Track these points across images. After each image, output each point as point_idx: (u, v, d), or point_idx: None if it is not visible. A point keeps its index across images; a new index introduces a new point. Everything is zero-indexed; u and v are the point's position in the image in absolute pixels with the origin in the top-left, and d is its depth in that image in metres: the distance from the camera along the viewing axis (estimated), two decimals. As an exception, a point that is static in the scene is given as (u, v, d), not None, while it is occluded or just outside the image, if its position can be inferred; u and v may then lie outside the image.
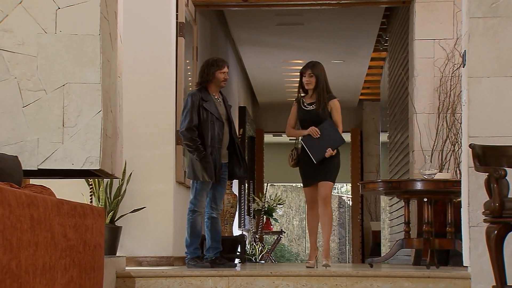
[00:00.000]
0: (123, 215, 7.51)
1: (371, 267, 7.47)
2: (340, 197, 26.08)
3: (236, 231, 11.90)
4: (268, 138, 19.03)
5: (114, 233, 7.39)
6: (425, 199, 7.34)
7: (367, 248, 18.03)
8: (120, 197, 7.41)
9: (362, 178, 18.13)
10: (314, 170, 6.93)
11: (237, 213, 13.40)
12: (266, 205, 14.50)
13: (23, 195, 2.66)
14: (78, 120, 5.16)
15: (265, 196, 14.65)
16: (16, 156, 3.71)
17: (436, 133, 9.00)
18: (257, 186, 16.81)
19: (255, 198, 14.51)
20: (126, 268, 6.04)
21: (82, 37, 5.21)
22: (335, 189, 26.15)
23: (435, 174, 7.46)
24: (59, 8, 5.21)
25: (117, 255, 7.37)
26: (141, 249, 7.72)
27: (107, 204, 7.37)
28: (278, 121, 18.24)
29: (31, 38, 5.17)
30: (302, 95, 7.07)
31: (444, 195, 7.39)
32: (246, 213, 14.61)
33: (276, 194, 17.24)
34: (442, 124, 8.99)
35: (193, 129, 6.86)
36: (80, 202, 3.46)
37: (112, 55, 5.51)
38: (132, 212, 7.54)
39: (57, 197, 3.53)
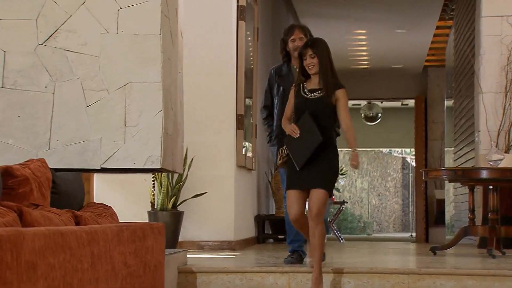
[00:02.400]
0: (184, 200, 7.62)
1: (434, 254, 7.43)
2: (403, 159, 25.89)
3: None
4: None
5: (176, 218, 7.51)
6: (491, 187, 7.23)
7: (431, 216, 17.91)
8: (182, 183, 7.51)
9: (426, 145, 17.94)
10: (303, 172, 5.41)
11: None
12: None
13: (84, 233, 2.71)
14: (140, 119, 5.21)
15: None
16: (78, 173, 3.76)
17: (503, 113, 8.82)
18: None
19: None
20: (188, 255, 6.11)
21: (143, 37, 5.24)
22: (398, 152, 25.95)
23: (502, 159, 7.33)
24: (120, 8, 5.24)
25: (179, 241, 7.50)
26: (203, 234, 7.83)
27: (169, 189, 7.48)
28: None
29: (94, 38, 5.22)
30: (302, 80, 5.54)
31: (510, 183, 7.26)
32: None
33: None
34: (510, 104, 8.80)
35: (262, 110, 6.41)
36: (140, 223, 3.51)
37: (172, 52, 5.53)
38: (193, 197, 7.63)
39: (115, 214, 3.60)
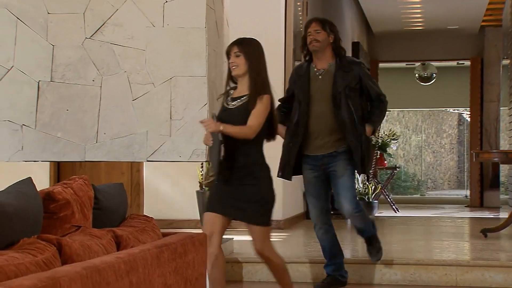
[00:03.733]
0: (233, 180, 7.64)
1: (485, 237, 7.35)
2: (459, 114, 25.54)
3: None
4: (383, 63, 18.76)
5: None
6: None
7: (486, 180, 17.69)
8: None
9: (482, 107, 17.62)
10: (227, 196, 4.46)
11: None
12: (380, 141, 14.37)
13: (122, 263, 2.73)
14: (185, 113, 5.22)
15: (379, 131, 14.50)
16: (121, 184, 3.79)
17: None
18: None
19: (369, 133, 14.38)
20: (237, 237, 6.14)
21: (188, 30, 5.22)
22: (452, 110, 25.61)
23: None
24: (166, 1, 5.22)
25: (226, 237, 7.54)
26: (251, 213, 7.84)
27: (218, 169, 7.49)
28: (393, 50, 17.92)
29: (140, 31, 5.22)
30: (230, 87, 4.62)
31: None
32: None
33: (390, 129, 17.00)
34: None
35: (279, 107, 5.33)
36: (181, 237, 3.51)
37: (218, 43, 5.50)
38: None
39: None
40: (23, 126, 5.21)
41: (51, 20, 5.22)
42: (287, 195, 8.13)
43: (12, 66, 5.21)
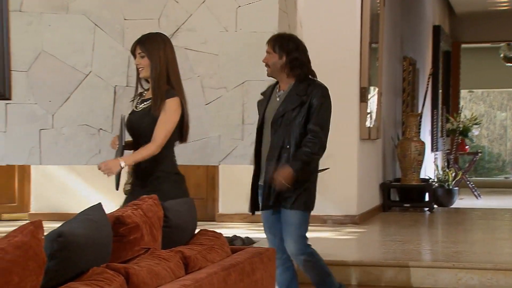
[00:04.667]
0: (308, 175, 7.66)
1: None
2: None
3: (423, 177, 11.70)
4: (466, 44, 18.40)
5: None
6: None
7: None
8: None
9: None
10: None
11: (429, 137, 13.21)
12: (461, 125, 14.13)
13: (191, 289, 2.79)
14: (257, 117, 5.24)
15: (460, 116, 14.25)
16: (190, 199, 3.86)
17: None
18: (452, 105, 16.35)
19: (449, 118, 14.15)
20: (310, 234, 6.10)
21: (261, 35, 5.24)
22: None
23: None
24: (239, 6, 5.26)
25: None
26: (326, 208, 7.85)
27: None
28: (477, 31, 17.52)
29: (213, 36, 5.29)
30: (142, 90, 4.32)
31: None
32: (439, 135, 14.32)
33: (472, 114, 16.68)
34: None
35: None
36: (249, 256, 3.56)
37: (292, 46, 5.50)
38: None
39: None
40: (100, 130, 5.35)
41: (127, 26, 5.33)
42: (362, 190, 8.10)
43: (90, 72, 5.35)
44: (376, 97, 8.57)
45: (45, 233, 2.50)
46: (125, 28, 5.33)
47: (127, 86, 5.33)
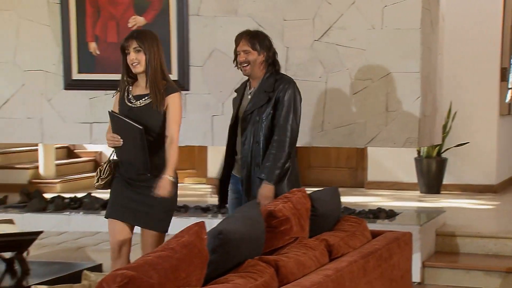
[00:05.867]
0: (448, 149, 7.45)
1: None
2: None
3: None
4: None
5: (440, 164, 7.43)
6: None
7: None
8: (445, 134, 7.33)
9: None
10: (128, 201, 3.76)
11: None
12: None
13: (330, 282, 2.79)
14: (399, 105, 5.16)
15: None
16: (335, 187, 3.83)
17: None
18: None
19: None
20: (448, 202, 5.97)
21: (404, 32, 5.11)
22: None
23: None
24: (385, 6, 5.13)
25: (443, 183, 7.40)
26: (465, 177, 7.61)
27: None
28: None
29: (361, 34, 5.20)
30: (129, 81, 3.82)
31: None
32: None
33: None
34: None
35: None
36: (387, 242, 3.51)
37: (432, 40, 5.32)
38: (456, 146, 7.44)
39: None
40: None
41: (286, 26, 5.33)
42: (501, 161, 7.75)
43: (254, 66, 5.39)
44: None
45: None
46: (284, 27, 5.33)
47: (285, 77, 5.35)
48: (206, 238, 2.59)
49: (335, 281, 2.86)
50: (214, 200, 5.41)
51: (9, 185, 7.47)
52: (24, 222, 5.55)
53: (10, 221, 3.87)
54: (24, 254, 3.78)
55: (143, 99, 3.74)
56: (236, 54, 4.11)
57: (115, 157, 3.77)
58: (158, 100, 3.68)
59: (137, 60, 3.70)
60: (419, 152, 7.44)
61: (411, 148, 5.44)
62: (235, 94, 4.28)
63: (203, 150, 8.17)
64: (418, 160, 7.41)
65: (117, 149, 3.71)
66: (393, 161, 7.71)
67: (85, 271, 2.54)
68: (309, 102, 5.30)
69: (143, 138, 3.61)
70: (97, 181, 3.76)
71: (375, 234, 3.72)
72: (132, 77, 3.79)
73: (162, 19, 5.49)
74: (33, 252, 3.86)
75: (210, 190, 7.42)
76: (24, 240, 3.76)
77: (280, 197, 3.45)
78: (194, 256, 2.50)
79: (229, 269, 2.73)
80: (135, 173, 3.71)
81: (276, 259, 2.86)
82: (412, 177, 7.55)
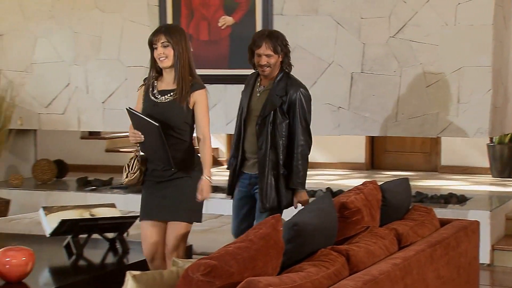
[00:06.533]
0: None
1: None
2: None
3: None
4: None
5: None
6: None
7: None
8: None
9: None
10: (157, 199, 3.54)
11: None
12: None
13: (398, 270, 2.77)
14: (471, 97, 5.02)
15: None
16: (406, 179, 3.77)
17: None
18: None
19: None
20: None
21: (477, 28, 4.95)
22: None
23: None
24: (459, 3, 4.99)
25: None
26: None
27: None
28: None
29: (434, 30, 5.09)
30: (154, 76, 3.53)
31: None
32: None
33: None
34: None
35: None
36: (454, 231, 3.44)
37: (504, 35, 5.16)
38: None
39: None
40: (339, 108, 5.39)
41: (363, 24, 5.26)
42: None
43: (333, 61, 5.37)
44: None
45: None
46: (361, 25, 5.26)
47: (361, 72, 5.29)
48: (281, 230, 2.62)
49: (403, 269, 2.84)
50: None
51: (116, 167, 7.75)
52: (126, 201, 5.76)
53: (112, 205, 4.02)
54: (125, 234, 3.93)
55: (169, 95, 3.46)
56: (251, 52, 3.84)
57: (141, 153, 3.53)
58: (183, 96, 3.41)
59: (165, 54, 3.42)
60: (491, 138, 7.21)
61: (482, 137, 5.27)
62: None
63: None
64: (491, 146, 7.19)
65: (140, 144, 3.48)
66: (466, 147, 7.50)
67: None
68: (384, 94, 5.24)
69: (161, 135, 3.34)
70: (126, 177, 3.53)
71: (443, 223, 3.65)
72: (158, 72, 3.51)
73: (249, 19, 5.52)
74: (132, 232, 4.00)
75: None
76: (124, 223, 3.91)
77: (352, 188, 3.45)
78: (271, 247, 2.54)
79: (303, 258, 2.76)
80: (161, 168, 3.48)
81: (347, 249, 2.87)
82: (484, 162, 7.34)
